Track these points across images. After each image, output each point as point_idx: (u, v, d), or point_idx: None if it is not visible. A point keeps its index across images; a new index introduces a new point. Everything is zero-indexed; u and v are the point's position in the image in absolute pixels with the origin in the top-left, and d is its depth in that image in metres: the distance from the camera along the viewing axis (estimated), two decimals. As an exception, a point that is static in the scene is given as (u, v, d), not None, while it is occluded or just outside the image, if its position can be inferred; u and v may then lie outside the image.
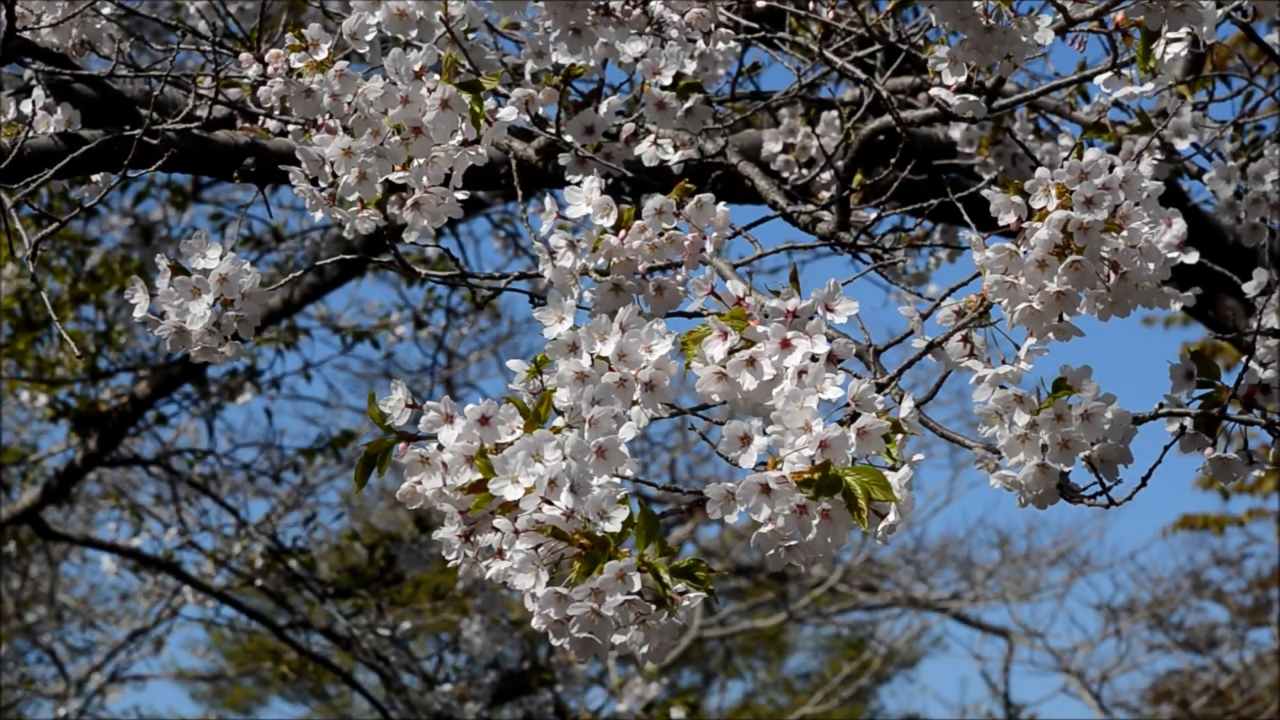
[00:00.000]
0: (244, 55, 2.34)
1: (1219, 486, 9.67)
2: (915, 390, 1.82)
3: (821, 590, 12.07)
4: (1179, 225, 1.92)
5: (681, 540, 11.22)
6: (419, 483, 1.76)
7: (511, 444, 1.70)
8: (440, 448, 1.76)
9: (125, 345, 5.97)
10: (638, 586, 1.61)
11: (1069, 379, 1.81)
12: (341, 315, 7.21)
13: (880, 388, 1.89)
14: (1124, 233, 1.83)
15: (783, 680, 14.37)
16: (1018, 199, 1.87)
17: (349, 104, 2.13)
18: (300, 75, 2.24)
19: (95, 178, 2.51)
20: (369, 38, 2.21)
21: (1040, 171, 1.84)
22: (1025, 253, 1.84)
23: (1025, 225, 1.85)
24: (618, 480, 1.67)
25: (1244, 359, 2.02)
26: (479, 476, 1.72)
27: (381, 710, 6.49)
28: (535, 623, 1.63)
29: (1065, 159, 1.86)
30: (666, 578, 1.63)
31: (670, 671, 11.93)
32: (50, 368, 5.94)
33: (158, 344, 2.14)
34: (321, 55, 2.23)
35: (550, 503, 1.64)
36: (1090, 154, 1.83)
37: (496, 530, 1.67)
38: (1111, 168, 1.83)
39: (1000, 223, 1.90)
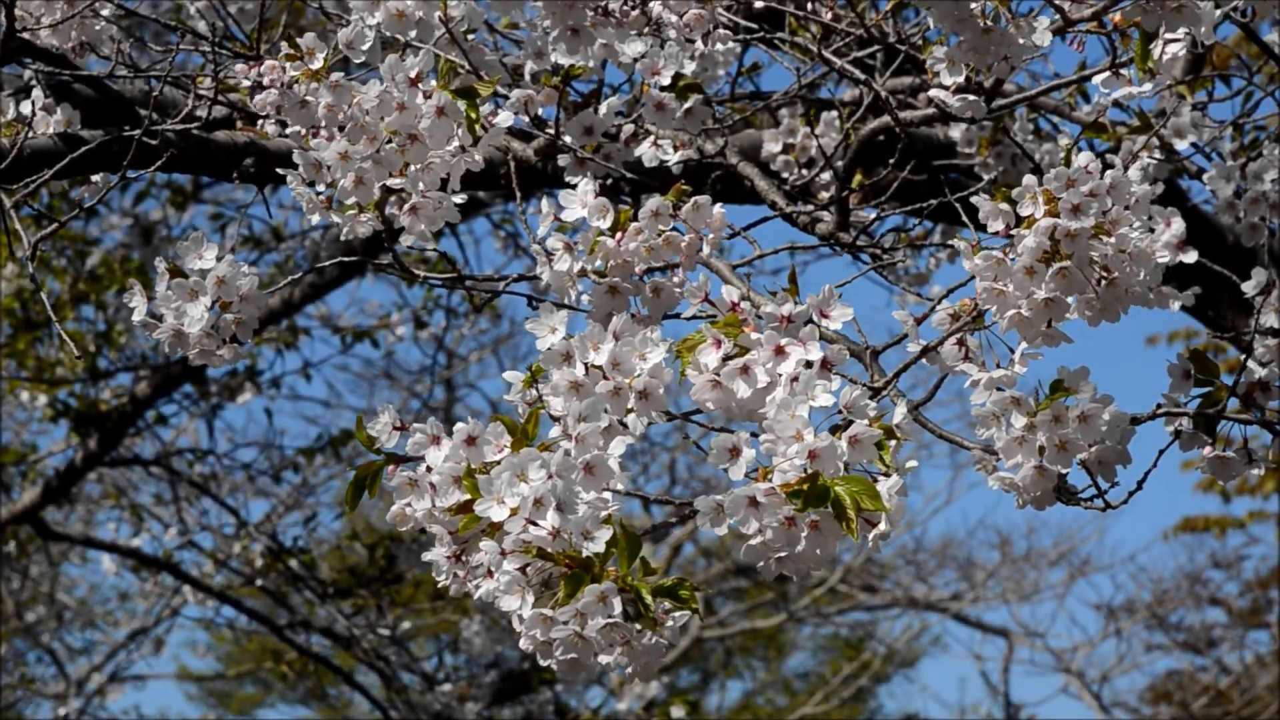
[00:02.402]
0: (239, 66, 2.34)
1: (1220, 489, 9.66)
2: (915, 391, 1.82)
3: (821, 590, 12.08)
4: (1178, 225, 1.92)
5: (681, 540, 11.22)
6: (408, 505, 1.76)
7: (498, 463, 1.69)
8: (429, 469, 1.75)
9: (125, 345, 5.97)
10: (618, 610, 1.60)
11: (1066, 381, 1.81)
12: (341, 315, 7.22)
13: (875, 392, 1.89)
14: (1112, 238, 1.82)
15: (782, 680, 14.38)
16: (1005, 206, 1.87)
17: (344, 113, 2.12)
18: (296, 84, 2.23)
19: (95, 178, 2.51)
20: (365, 45, 2.21)
21: (1027, 179, 1.84)
22: (1013, 259, 1.84)
23: (1014, 232, 1.85)
24: (608, 496, 1.66)
25: (1243, 358, 2.02)
26: (467, 497, 1.71)
27: (382, 710, 6.50)
28: (523, 644, 1.62)
29: (1061, 160, 1.86)
30: (649, 599, 1.62)
31: (670, 671, 11.94)
32: (50, 368, 5.94)
33: (158, 344, 2.14)
34: (317, 64, 2.23)
35: (535, 523, 1.64)
36: (1079, 160, 1.83)
37: (484, 551, 1.66)
38: (1103, 172, 1.83)
39: (989, 230, 1.90)
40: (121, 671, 9.06)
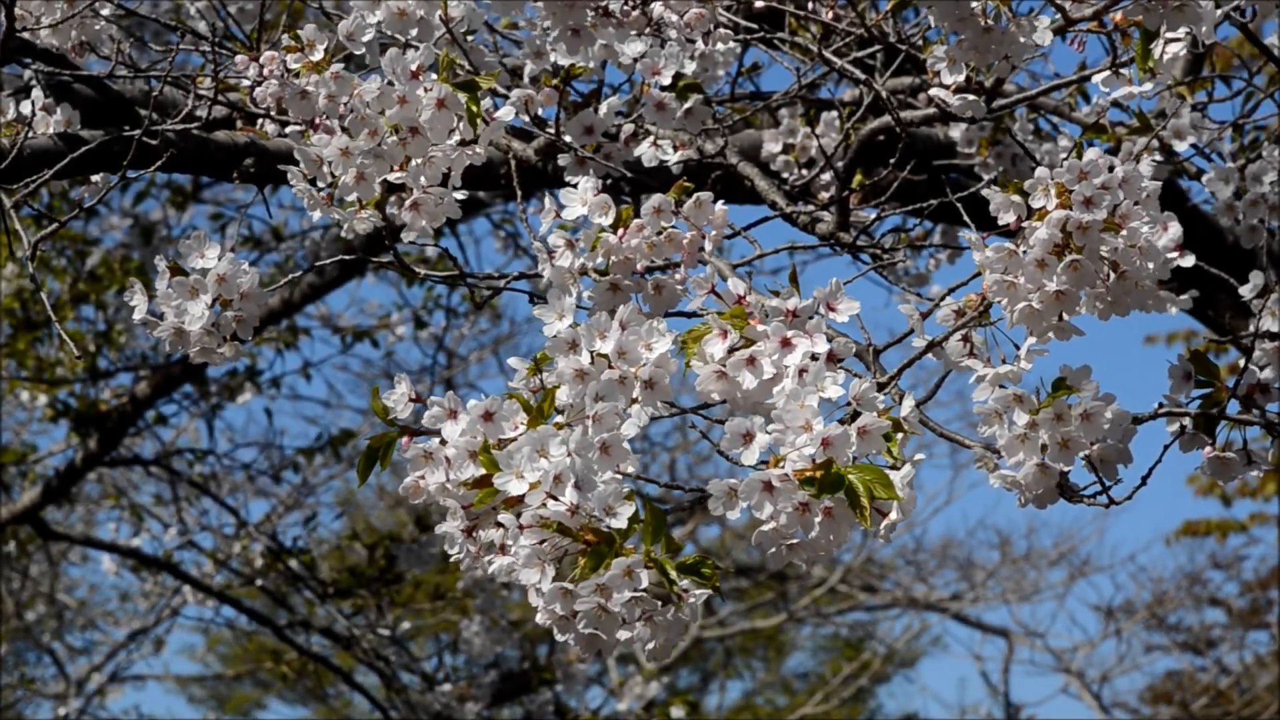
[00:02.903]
0: (240, 57, 2.34)
1: (1220, 492, 9.66)
2: (916, 390, 1.82)
3: (821, 590, 12.08)
4: (1175, 229, 1.92)
5: (682, 540, 11.22)
6: (422, 477, 1.77)
7: (515, 440, 1.70)
8: (443, 442, 1.76)
9: (125, 345, 5.97)
10: (645, 583, 1.61)
11: (1069, 379, 1.81)
12: (341, 315, 7.22)
13: (880, 387, 1.89)
14: (1123, 232, 1.83)
15: (782, 680, 14.38)
16: (1017, 198, 1.87)
17: (345, 105, 2.12)
18: (296, 76, 2.23)
19: (95, 178, 2.51)
20: (366, 38, 2.21)
21: (1040, 171, 1.85)
22: (1025, 252, 1.84)
23: (1025, 225, 1.86)
24: (620, 476, 1.67)
25: (1243, 359, 2.02)
26: (482, 472, 1.72)
27: (381, 710, 6.49)
28: (540, 618, 1.63)
29: (1065, 159, 1.86)
30: (673, 574, 1.63)
31: (669, 671, 11.94)
32: (50, 368, 5.94)
33: (158, 344, 2.14)
34: (318, 56, 2.23)
35: (555, 498, 1.65)
36: (1090, 154, 1.83)
37: (500, 526, 1.67)
38: (1111, 167, 1.83)
39: (1000, 222, 1.90)
40: (121, 671, 9.07)
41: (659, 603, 1.63)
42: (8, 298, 5.75)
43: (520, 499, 1.66)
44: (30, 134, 2.40)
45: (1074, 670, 12.72)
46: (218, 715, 13.24)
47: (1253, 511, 10.78)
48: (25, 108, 2.44)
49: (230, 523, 6.74)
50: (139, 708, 10.72)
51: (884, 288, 9.61)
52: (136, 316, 2.09)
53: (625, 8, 2.30)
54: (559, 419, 1.76)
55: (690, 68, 2.45)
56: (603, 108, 2.45)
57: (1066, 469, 1.83)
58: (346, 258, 2.55)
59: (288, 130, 2.42)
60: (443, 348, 7.25)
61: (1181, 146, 3.00)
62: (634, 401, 1.76)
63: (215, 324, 2.07)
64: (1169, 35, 2.17)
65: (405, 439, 1.83)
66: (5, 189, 2.35)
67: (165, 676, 11.95)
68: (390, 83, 2.04)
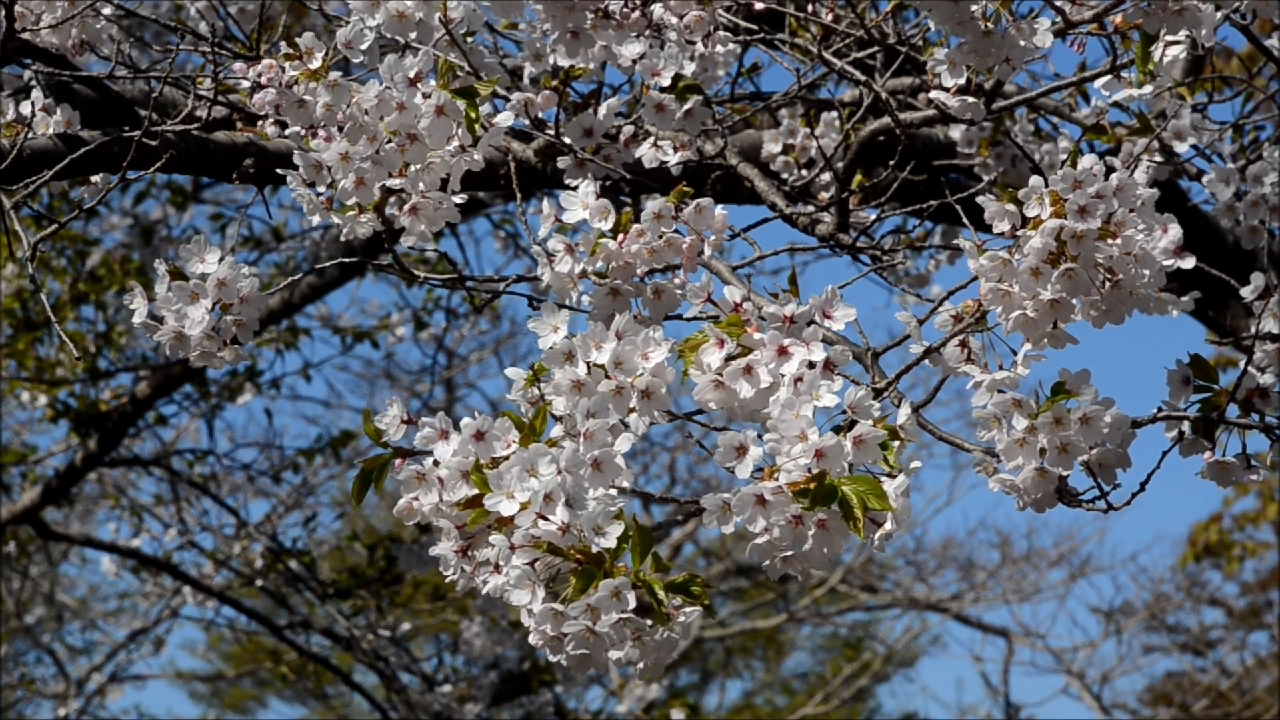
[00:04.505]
0: (238, 65, 2.34)
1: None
2: (915, 392, 1.82)
3: (822, 590, 12.08)
4: (1175, 231, 1.92)
5: (681, 541, 11.23)
6: (416, 499, 1.76)
7: (507, 458, 1.70)
8: (436, 463, 1.75)
9: (125, 345, 5.96)
10: (633, 604, 1.61)
11: (1068, 383, 1.81)
12: (341, 315, 7.22)
13: (878, 393, 1.89)
14: (1118, 240, 1.82)
15: (782, 680, 14.38)
16: (1011, 207, 1.87)
17: (344, 111, 2.12)
18: (294, 84, 2.23)
19: (95, 178, 2.51)
20: (364, 45, 2.21)
21: (1034, 179, 1.84)
22: (1019, 260, 1.83)
23: (1020, 233, 1.85)
24: (614, 493, 1.67)
25: (1243, 362, 2.02)
26: (475, 492, 1.72)
27: (381, 710, 6.49)
28: (532, 639, 1.63)
29: (1063, 162, 1.86)
30: (661, 594, 1.62)
31: (670, 671, 11.93)
32: (50, 368, 5.94)
33: (158, 345, 2.15)
34: (315, 64, 2.23)
35: (545, 518, 1.64)
36: (1084, 162, 1.83)
37: (493, 545, 1.67)
38: (1107, 174, 1.83)
39: (994, 230, 1.90)
40: (121, 671, 9.06)
41: (648, 621, 1.63)
42: (8, 298, 5.74)
43: (512, 519, 1.66)
44: (30, 134, 2.40)
45: (1074, 671, 12.72)
46: (218, 713, 13.24)
47: (1252, 538, 10.78)
48: (25, 108, 2.44)
49: (230, 523, 6.74)
50: (139, 707, 10.73)
51: (884, 289, 9.61)
52: (137, 319, 2.09)
53: (624, 10, 2.30)
54: (556, 430, 1.76)
55: (690, 69, 2.45)
56: (602, 109, 2.45)
57: (1065, 473, 1.82)
58: (347, 259, 2.55)
59: (288, 131, 2.42)
60: (443, 348, 7.25)
61: (1182, 148, 3.00)
62: (631, 411, 1.76)
63: (215, 328, 2.07)
64: (1169, 38, 2.17)
65: (398, 460, 1.82)
66: (5, 189, 2.35)
67: (165, 675, 11.96)
68: (389, 89, 2.03)
